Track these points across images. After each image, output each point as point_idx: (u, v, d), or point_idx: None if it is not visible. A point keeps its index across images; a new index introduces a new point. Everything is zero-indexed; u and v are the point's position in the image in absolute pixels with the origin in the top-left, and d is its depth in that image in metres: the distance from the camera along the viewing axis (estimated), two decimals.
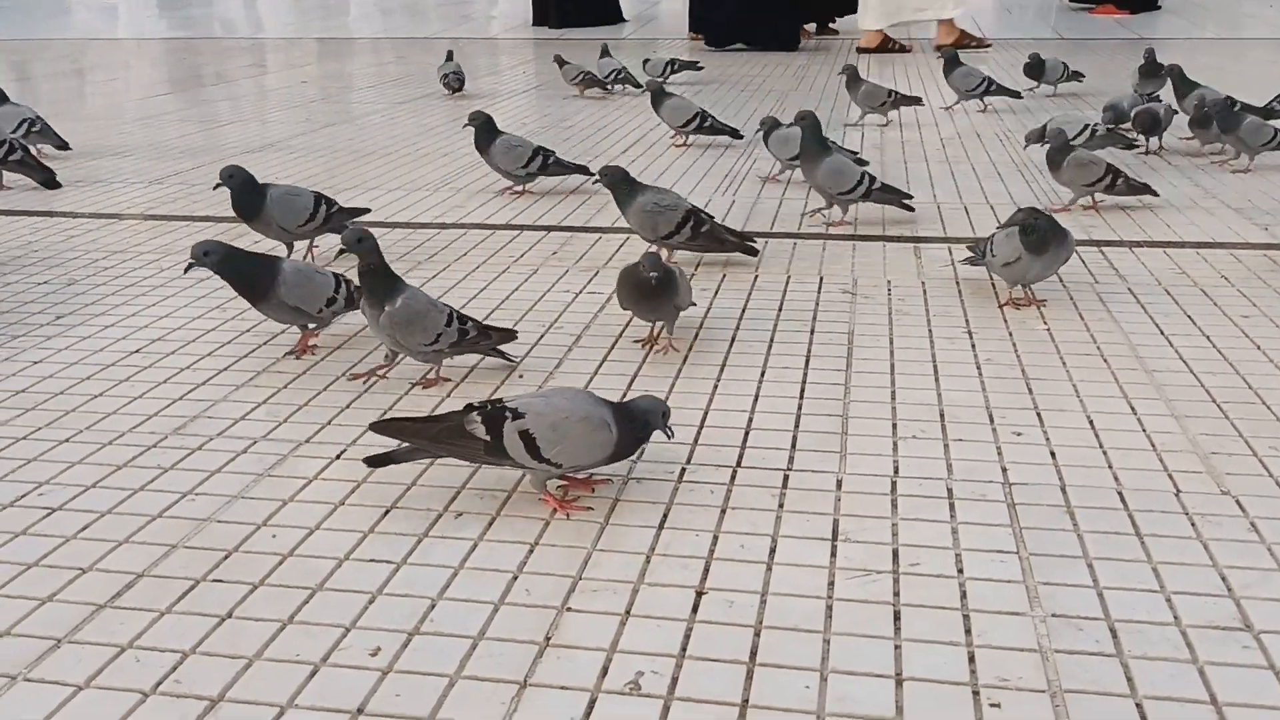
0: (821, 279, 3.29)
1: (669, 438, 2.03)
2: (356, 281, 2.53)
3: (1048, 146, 3.94)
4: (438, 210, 4.18)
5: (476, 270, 3.43)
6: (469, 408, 2.00)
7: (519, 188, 4.37)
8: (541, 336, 2.85)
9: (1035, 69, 6.55)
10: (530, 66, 8.74)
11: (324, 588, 1.77)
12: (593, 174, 4.19)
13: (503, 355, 2.66)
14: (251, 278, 2.65)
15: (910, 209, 3.88)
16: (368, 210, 3.69)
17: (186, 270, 2.64)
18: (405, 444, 2.01)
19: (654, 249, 2.70)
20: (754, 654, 1.59)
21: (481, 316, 2.98)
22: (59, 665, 1.59)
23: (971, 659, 1.57)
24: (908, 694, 1.50)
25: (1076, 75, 6.66)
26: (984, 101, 6.26)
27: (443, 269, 3.44)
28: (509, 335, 2.65)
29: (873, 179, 3.77)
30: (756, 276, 3.32)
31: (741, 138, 5.20)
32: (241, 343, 2.83)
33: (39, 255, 3.67)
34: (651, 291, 2.57)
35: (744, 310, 3.03)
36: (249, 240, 3.58)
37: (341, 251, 2.47)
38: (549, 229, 3.90)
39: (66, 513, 2.01)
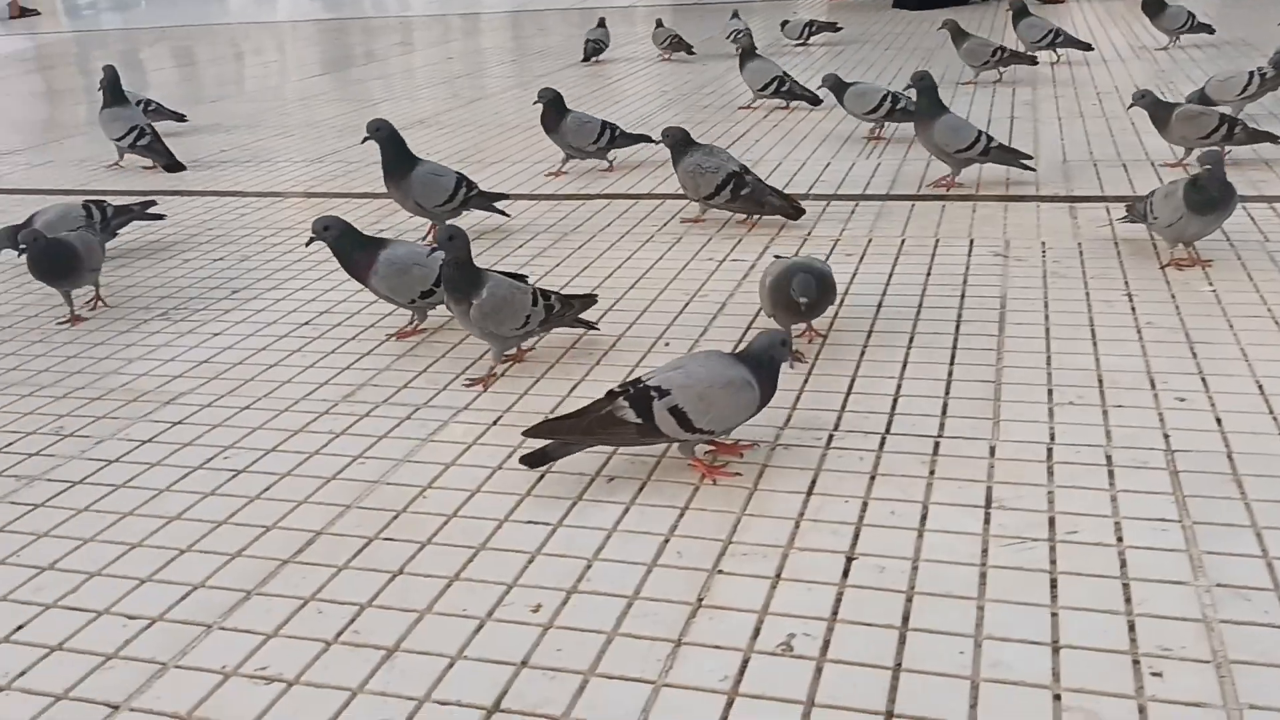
0: (972, 241, 3.22)
1: (792, 367, 2.07)
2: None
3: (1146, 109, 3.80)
4: (582, 181, 4.25)
5: (621, 240, 3.48)
6: (612, 394, 2.04)
7: (564, 169, 4.35)
8: (686, 305, 2.89)
9: (1154, 8, 6.21)
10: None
11: (486, 547, 1.86)
12: (656, 140, 4.16)
13: (586, 324, 2.67)
14: (352, 260, 2.72)
15: (1031, 169, 3.74)
16: (504, 197, 3.73)
17: (307, 244, 2.76)
18: (559, 440, 2.02)
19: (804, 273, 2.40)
20: (906, 619, 1.60)
21: (626, 286, 3.04)
22: (249, 615, 1.72)
23: (1131, 628, 1.54)
24: (1065, 661, 1.49)
25: (1204, 28, 6.23)
26: (1056, 53, 6.01)
27: (588, 239, 3.51)
28: (589, 300, 2.64)
29: (990, 138, 3.66)
30: (904, 240, 3.27)
31: (820, 103, 5.10)
32: (401, 314, 2.95)
33: (214, 233, 3.90)
34: (801, 313, 2.45)
35: (890, 274, 2.99)
36: (399, 217, 3.72)
37: (434, 249, 2.50)
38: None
39: (250, 474, 2.16)
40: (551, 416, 2.09)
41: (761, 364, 2.02)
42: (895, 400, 2.27)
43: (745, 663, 1.54)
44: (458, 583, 1.77)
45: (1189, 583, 1.63)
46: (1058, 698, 1.43)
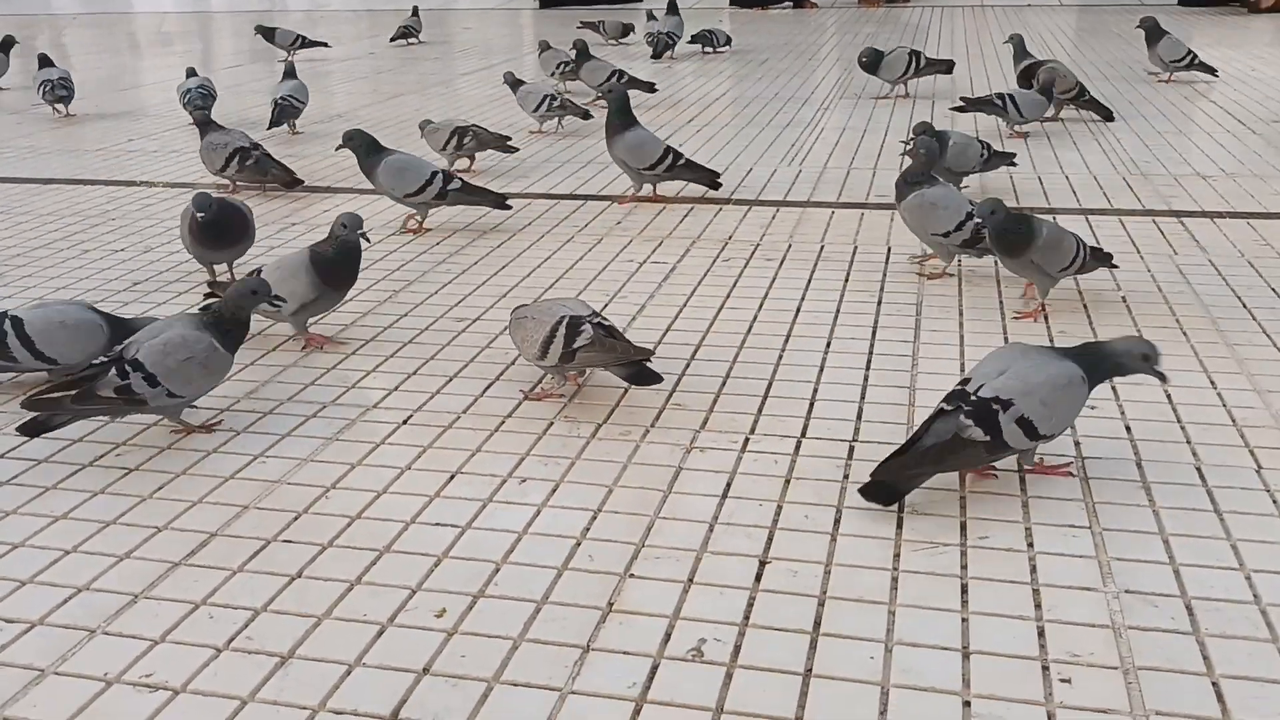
0: (890, 249, 3.24)
1: (1163, 381, 1.91)
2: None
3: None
4: (524, 182, 4.19)
5: (541, 240, 3.43)
6: (943, 412, 1.85)
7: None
8: (605, 306, 2.85)
9: (1153, 35, 5.91)
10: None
11: (391, 549, 1.79)
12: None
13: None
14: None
15: (717, 186, 3.76)
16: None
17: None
18: (905, 476, 1.84)
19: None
20: (818, 624, 1.57)
21: (546, 287, 2.98)
22: (136, 620, 1.63)
23: (1041, 634, 1.54)
24: (975, 667, 1.48)
25: (1206, 68, 5.90)
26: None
27: (508, 238, 3.45)
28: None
29: (677, 154, 3.68)
30: (823, 247, 3.28)
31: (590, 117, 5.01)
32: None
33: (116, 223, 3.75)
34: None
35: (809, 280, 2.99)
36: (311, 211, 3.61)
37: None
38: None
39: (143, 473, 2.06)
40: (885, 459, 1.86)
41: (1098, 366, 1.87)
42: (812, 404, 2.26)
43: (655, 668, 1.50)
44: (359, 586, 1.70)
45: (1098, 589, 1.63)
46: (967, 704, 1.41)
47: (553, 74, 5.87)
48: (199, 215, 2.83)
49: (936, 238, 2.85)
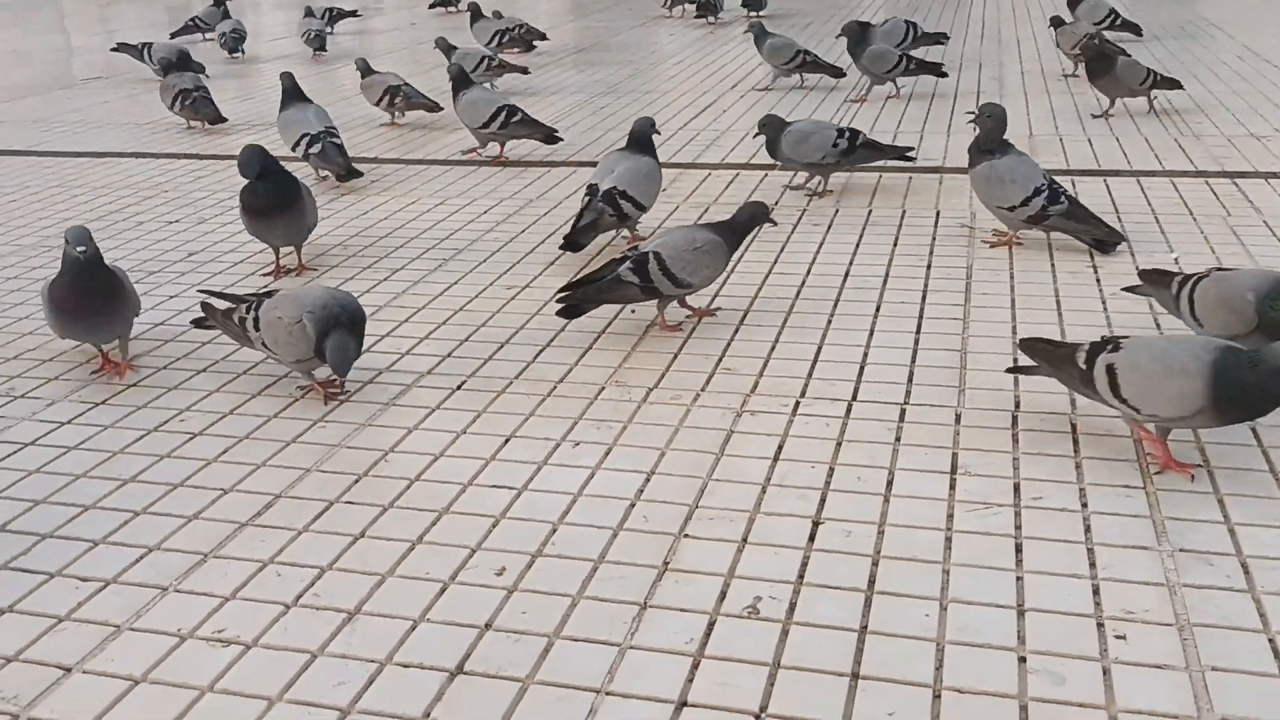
0: (938, 213, 3.22)
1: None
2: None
3: None
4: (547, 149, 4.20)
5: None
6: (1097, 347, 1.92)
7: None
8: None
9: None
10: None
11: (450, 511, 1.83)
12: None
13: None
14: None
15: (554, 141, 3.92)
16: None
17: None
18: (1041, 364, 2.01)
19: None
20: (872, 583, 1.59)
21: None
22: (206, 578, 1.68)
23: (1096, 592, 1.55)
24: (1030, 624, 1.49)
25: (1131, 27, 5.78)
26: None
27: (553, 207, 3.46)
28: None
29: (511, 112, 3.84)
30: (870, 211, 3.26)
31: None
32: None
33: (169, 195, 3.81)
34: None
35: (858, 245, 2.98)
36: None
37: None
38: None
39: (207, 437, 2.11)
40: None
41: (1251, 384, 1.73)
42: (862, 368, 2.26)
43: (711, 625, 1.52)
44: (420, 546, 1.74)
45: (1153, 548, 1.64)
46: (1023, 660, 1.43)
47: (489, 42, 6.20)
48: (245, 174, 2.83)
49: (1002, 210, 2.83)
